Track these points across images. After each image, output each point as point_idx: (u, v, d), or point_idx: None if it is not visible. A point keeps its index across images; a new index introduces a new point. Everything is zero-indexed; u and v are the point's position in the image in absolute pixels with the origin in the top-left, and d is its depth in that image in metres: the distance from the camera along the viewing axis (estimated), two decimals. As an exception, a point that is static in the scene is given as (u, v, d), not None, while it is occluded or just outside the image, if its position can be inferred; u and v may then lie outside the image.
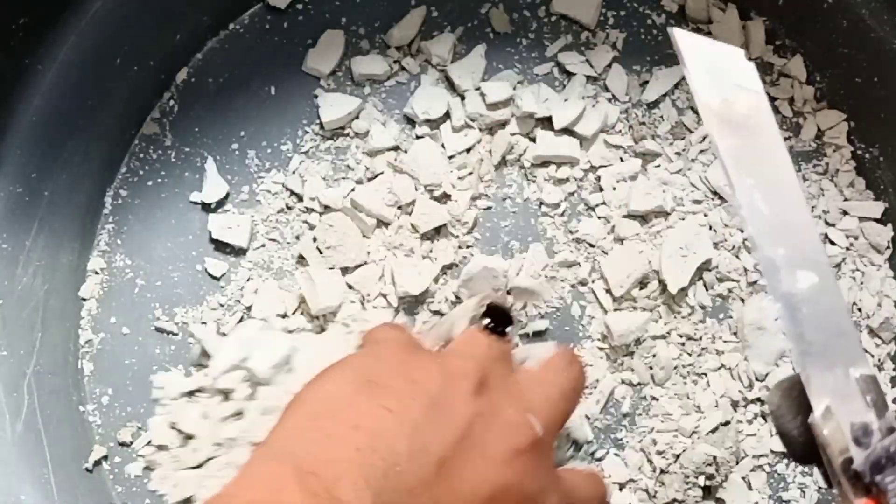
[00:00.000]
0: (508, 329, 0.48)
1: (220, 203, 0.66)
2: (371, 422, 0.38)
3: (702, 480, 0.61)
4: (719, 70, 0.39)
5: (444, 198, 0.65)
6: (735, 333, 0.64)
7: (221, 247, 0.66)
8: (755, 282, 0.65)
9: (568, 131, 0.66)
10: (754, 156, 0.37)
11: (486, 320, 0.48)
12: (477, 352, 0.44)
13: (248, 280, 0.65)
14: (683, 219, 0.65)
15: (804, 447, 0.36)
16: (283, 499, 0.36)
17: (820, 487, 0.64)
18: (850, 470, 0.34)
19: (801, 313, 0.36)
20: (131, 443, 0.63)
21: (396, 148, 0.66)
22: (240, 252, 0.66)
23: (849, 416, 0.35)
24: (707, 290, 0.64)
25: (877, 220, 0.67)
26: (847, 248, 0.66)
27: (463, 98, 0.67)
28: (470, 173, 0.65)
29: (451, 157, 0.65)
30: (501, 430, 0.41)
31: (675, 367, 0.63)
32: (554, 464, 0.46)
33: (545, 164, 0.66)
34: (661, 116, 0.68)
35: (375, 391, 0.40)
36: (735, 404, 0.63)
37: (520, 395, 0.44)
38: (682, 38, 0.39)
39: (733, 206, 0.36)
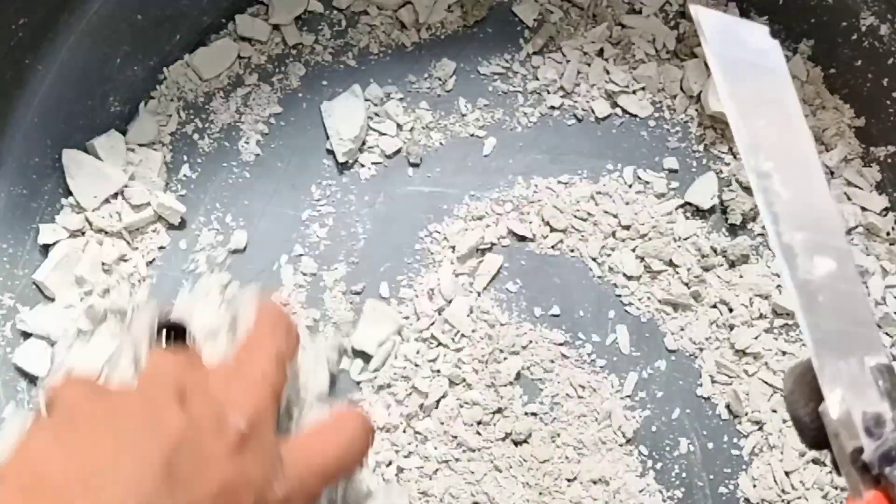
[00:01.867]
0: (187, 337, 0.46)
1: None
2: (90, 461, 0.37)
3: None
4: (740, 47, 0.37)
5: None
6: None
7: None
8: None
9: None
10: (774, 137, 0.36)
11: (164, 335, 0.46)
12: (166, 370, 0.43)
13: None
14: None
15: (815, 434, 0.35)
16: None
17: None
18: (860, 461, 0.33)
19: (817, 302, 0.34)
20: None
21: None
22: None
23: (861, 406, 0.34)
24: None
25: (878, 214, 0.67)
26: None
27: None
28: None
29: None
30: (206, 436, 0.40)
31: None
32: (277, 440, 0.43)
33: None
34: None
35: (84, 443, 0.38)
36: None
37: (219, 397, 0.42)
38: (703, 14, 0.37)
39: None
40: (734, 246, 0.64)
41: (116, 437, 0.38)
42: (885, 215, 0.67)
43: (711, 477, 0.62)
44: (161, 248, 0.64)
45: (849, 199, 0.67)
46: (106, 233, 0.63)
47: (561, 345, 0.63)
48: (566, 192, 0.65)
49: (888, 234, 0.66)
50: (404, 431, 0.61)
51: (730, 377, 0.63)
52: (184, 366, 0.44)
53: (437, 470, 0.61)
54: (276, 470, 0.42)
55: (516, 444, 0.61)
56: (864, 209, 0.66)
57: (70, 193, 0.63)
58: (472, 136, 0.67)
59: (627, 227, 0.64)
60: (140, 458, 0.37)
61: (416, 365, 0.62)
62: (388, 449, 0.61)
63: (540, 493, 0.60)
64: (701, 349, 0.63)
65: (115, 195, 0.63)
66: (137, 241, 0.64)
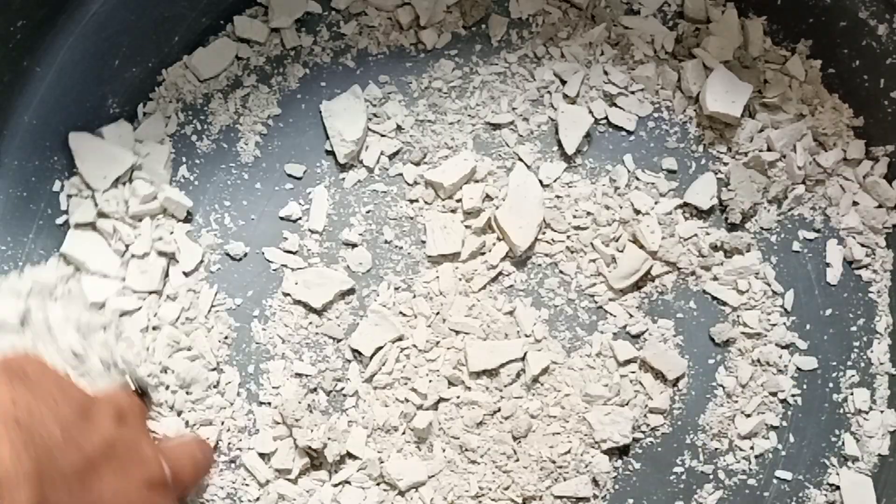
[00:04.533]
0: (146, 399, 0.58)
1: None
2: (28, 405, 0.43)
3: None
4: None
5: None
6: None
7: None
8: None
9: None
10: None
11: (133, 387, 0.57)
12: (121, 399, 0.53)
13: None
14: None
15: None
16: None
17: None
18: None
19: None
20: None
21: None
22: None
23: None
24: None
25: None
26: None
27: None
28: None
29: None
30: (139, 459, 0.50)
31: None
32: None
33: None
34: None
35: (32, 387, 0.45)
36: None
37: (153, 441, 0.53)
38: None
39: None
40: (732, 238, 0.65)
41: (56, 407, 0.46)
42: (884, 215, 0.67)
43: (710, 471, 0.62)
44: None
45: (847, 198, 0.67)
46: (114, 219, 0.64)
47: (562, 344, 0.63)
48: (566, 192, 0.65)
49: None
50: (403, 433, 0.61)
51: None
52: (136, 407, 0.54)
53: (437, 470, 0.61)
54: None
55: (516, 443, 0.61)
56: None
57: (71, 196, 0.64)
58: (472, 136, 0.67)
59: (626, 228, 0.65)
60: (70, 436, 0.45)
61: (416, 366, 0.62)
62: (387, 450, 0.61)
63: (539, 492, 0.60)
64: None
65: (123, 183, 0.64)
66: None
